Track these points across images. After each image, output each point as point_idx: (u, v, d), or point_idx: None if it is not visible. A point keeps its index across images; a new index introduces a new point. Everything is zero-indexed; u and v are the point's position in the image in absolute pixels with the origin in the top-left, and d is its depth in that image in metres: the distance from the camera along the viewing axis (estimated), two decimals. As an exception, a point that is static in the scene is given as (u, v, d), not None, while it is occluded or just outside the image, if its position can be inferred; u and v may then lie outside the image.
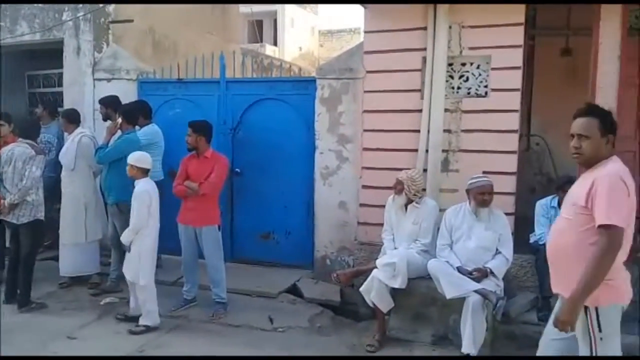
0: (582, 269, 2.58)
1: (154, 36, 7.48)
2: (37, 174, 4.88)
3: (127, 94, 6.24)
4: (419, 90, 5.21)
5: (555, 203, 4.86)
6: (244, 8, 21.18)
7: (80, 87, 6.46)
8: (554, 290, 2.90)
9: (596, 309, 2.65)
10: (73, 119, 5.64)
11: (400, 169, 4.79)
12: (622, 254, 2.66)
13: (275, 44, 23.54)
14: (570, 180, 4.80)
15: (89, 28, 6.41)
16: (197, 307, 5.04)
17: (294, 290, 5.52)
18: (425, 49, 5.14)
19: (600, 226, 2.58)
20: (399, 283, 4.30)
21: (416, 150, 5.19)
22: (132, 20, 6.61)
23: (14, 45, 6.84)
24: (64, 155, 5.48)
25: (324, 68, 5.77)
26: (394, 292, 4.38)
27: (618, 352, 2.74)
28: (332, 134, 5.60)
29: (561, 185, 4.75)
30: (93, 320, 4.80)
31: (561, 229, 2.85)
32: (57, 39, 6.50)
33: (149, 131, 5.66)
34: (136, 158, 4.61)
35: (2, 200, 4.85)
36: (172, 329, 4.68)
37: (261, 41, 22.05)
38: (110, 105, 5.65)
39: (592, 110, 2.81)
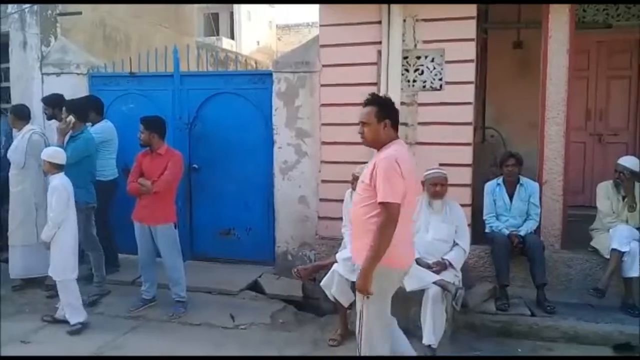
0: (368, 240, 2.98)
1: (104, 29, 7.30)
2: None
3: (78, 88, 6.06)
4: (375, 84, 5.22)
5: (500, 180, 5.03)
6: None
7: (28, 82, 6.22)
8: (353, 260, 3.31)
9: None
10: (22, 115, 5.41)
11: (359, 163, 4.81)
12: (408, 226, 3.17)
13: (232, 37, 23.26)
14: (511, 155, 5.01)
15: (36, 21, 6.17)
16: (156, 307, 4.95)
17: (255, 287, 5.48)
18: (380, 43, 5.16)
19: (379, 203, 2.96)
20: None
21: (374, 144, 5.21)
22: (80, 13, 6.41)
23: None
24: (13, 152, 5.25)
25: (280, 62, 5.72)
26: (354, 286, 4.38)
27: (382, 312, 3.18)
28: (290, 128, 5.57)
29: (503, 161, 4.95)
30: (49, 323, 4.65)
31: (354, 203, 3.25)
32: (3, 32, 6.23)
33: (103, 128, 5.51)
34: (50, 154, 4.51)
35: None
36: (131, 329, 4.60)
37: (217, 34, 21.79)
38: (55, 104, 5.41)
39: (373, 100, 3.25)
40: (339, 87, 5.37)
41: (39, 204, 5.24)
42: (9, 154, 5.32)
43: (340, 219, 4.90)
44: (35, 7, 6.11)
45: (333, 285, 4.33)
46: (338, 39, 5.34)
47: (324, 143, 5.49)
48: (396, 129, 3.22)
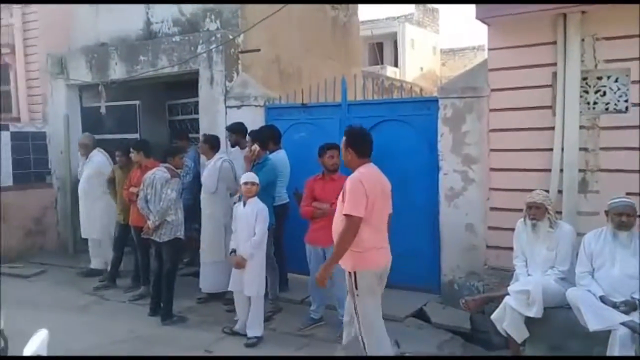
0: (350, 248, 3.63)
1: (279, 64, 7.86)
2: (173, 196, 5.31)
3: (256, 119, 6.60)
4: (550, 107, 4.96)
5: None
6: (364, 31, 21.66)
7: (214, 114, 6.93)
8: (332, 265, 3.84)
9: (355, 273, 3.67)
10: (215, 144, 5.98)
11: (531, 190, 4.57)
12: (378, 234, 3.79)
13: (396, 65, 23.59)
14: None
15: (221, 59, 6.87)
16: (324, 326, 5.14)
17: (420, 315, 5.43)
18: (555, 64, 4.89)
19: (343, 215, 3.62)
20: (534, 312, 4.06)
21: (549, 170, 4.92)
22: (259, 50, 7.00)
23: (155, 77, 7.53)
24: (206, 178, 5.80)
25: (446, 88, 5.68)
26: (529, 322, 4.14)
27: (371, 306, 3.74)
28: (457, 154, 5.47)
29: None
30: (227, 335, 5.05)
31: (335, 218, 3.88)
32: (193, 70, 7.04)
33: (281, 158, 5.88)
34: (255, 177, 4.93)
35: (147, 222, 5.34)
36: (303, 345, 4.83)
37: (382, 63, 22.26)
38: (239, 132, 5.99)
39: (346, 131, 4.01)
40: (510, 112, 5.18)
41: (227, 225, 5.68)
42: (203, 180, 5.90)
43: (511, 248, 4.67)
44: (221, 46, 6.83)
45: (505, 319, 4.14)
46: (509, 62, 5.17)
47: (492, 169, 5.30)
48: (364, 155, 3.86)
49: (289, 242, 5.88)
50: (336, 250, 3.66)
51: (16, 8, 8.31)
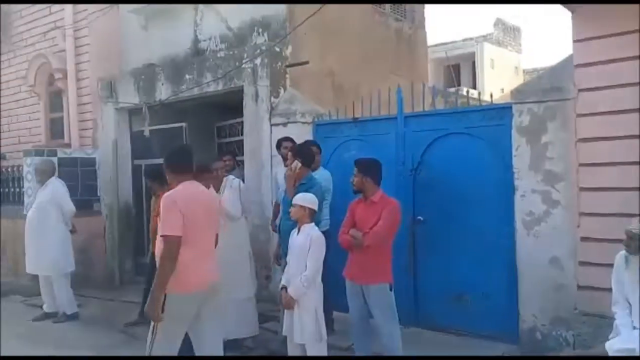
0: None
1: (333, 79, 7.15)
2: None
3: (303, 137, 5.83)
4: (658, 108, 3.86)
5: None
6: (439, 53, 20.69)
7: (258, 134, 6.30)
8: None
9: (166, 295, 3.33)
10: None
11: (634, 215, 3.49)
12: (191, 253, 3.38)
13: (474, 87, 22.32)
14: None
15: (266, 73, 6.25)
16: (370, 383, 4.22)
17: (492, 371, 4.39)
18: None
19: (160, 236, 3.39)
20: (644, 379, 2.96)
21: (659, 189, 3.80)
22: (307, 62, 6.33)
23: (201, 97, 7.04)
24: (229, 203, 5.00)
25: (521, 90, 4.68)
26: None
27: (172, 336, 3.45)
28: (536, 171, 4.45)
29: None
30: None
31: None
32: (238, 87, 6.47)
33: (325, 176, 5.12)
34: (308, 199, 4.10)
35: None
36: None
37: (459, 85, 21.10)
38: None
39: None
40: (604, 116, 4.13)
41: (251, 254, 5.12)
42: (225, 206, 5.14)
43: (609, 289, 3.57)
44: (266, 59, 6.21)
45: (603, 389, 3.05)
46: (600, 55, 4.15)
47: (583, 189, 4.24)
48: (178, 174, 3.58)
49: (334, 275, 5.01)
50: (157, 275, 3.33)
51: (68, 35, 8.18)
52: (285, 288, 4.04)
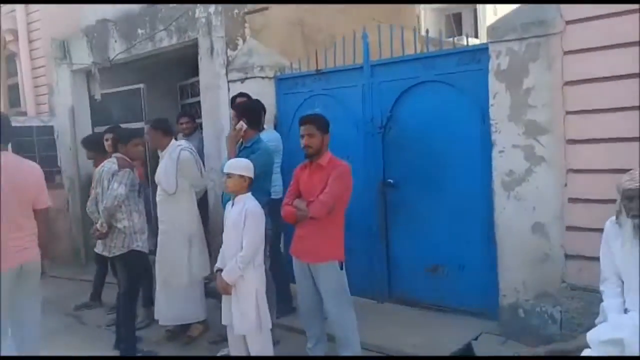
0: None
1: (302, 28, 6.39)
2: (121, 192, 3.98)
3: (263, 95, 5.17)
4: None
5: None
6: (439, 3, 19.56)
7: (216, 92, 5.62)
8: None
9: None
10: (167, 130, 4.52)
11: (626, 170, 2.83)
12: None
13: (476, 36, 21.23)
14: None
15: (221, 22, 5.52)
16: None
17: (468, 351, 3.83)
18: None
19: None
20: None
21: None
22: (267, 8, 5.59)
23: (159, 53, 6.35)
24: (162, 174, 4.47)
25: (498, 26, 3.93)
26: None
27: None
28: (517, 122, 3.76)
29: None
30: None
31: None
32: (192, 39, 5.77)
33: (274, 137, 4.53)
34: (243, 166, 3.47)
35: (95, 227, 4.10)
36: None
37: (460, 34, 20.05)
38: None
39: None
40: (596, 52, 3.43)
41: (193, 237, 4.49)
42: (156, 177, 4.51)
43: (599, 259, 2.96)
44: (220, 7, 5.49)
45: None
46: (591, -23, 3.41)
47: (571, 142, 3.57)
48: None
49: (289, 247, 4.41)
50: None
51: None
52: (220, 271, 3.46)
